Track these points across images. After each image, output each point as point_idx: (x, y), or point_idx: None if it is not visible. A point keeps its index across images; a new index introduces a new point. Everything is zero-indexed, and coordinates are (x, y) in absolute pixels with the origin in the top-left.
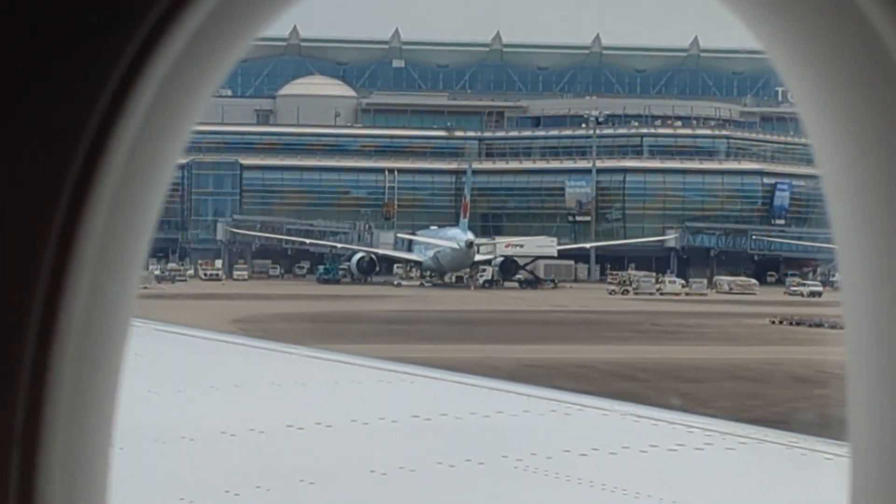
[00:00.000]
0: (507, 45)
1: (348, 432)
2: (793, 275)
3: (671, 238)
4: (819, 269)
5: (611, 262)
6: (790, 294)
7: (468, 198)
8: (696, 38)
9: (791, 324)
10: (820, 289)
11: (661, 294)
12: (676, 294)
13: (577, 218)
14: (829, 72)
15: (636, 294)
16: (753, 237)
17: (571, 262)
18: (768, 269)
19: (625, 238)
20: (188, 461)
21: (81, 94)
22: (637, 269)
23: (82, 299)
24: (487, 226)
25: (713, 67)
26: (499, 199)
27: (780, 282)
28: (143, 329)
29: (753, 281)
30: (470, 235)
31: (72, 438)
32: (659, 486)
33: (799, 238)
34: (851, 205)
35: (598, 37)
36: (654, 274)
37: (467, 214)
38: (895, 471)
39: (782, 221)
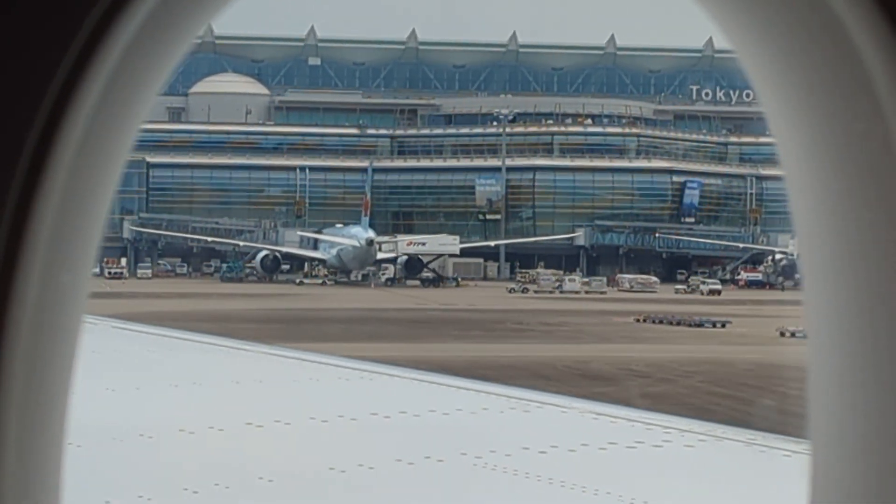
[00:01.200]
0: (422, 44)
1: (307, 430)
2: (701, 273)
3: (580, 236)
4: (728, 267)
5: (521, 260)
6: (687, 292)
7: (369, 196)
8: (612, 37)
9: (654, 322)
10: (719, 287)
11: (561, 292)
12: (576, 292)
13: (488, 216)
14: (795, 69)
15: (535, 293)
16: (662, 235)
17: (481, 261)
18: (679, 266)
19: (535, 236)
20: (146, 459)
21: (28, 90)
22: (546, 267)
23: (33, 294)
24: (399, 224)
25: (630, 66)
26: (410, 197)
27: (689, 280)
28: (101, 326)
29: (654, 279)
30: (370, 233)
31: (24, 435)
32: (618, 484)
33: (706, 236)
34: (814, 205)
35: (514, 35)
36: (558, 272)
37: (368, 212)
38: (855, 467)
39: (692, 219)
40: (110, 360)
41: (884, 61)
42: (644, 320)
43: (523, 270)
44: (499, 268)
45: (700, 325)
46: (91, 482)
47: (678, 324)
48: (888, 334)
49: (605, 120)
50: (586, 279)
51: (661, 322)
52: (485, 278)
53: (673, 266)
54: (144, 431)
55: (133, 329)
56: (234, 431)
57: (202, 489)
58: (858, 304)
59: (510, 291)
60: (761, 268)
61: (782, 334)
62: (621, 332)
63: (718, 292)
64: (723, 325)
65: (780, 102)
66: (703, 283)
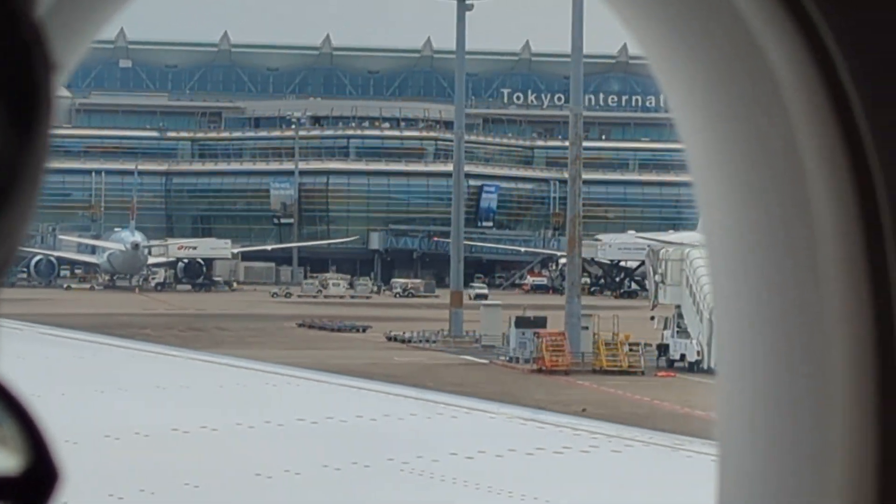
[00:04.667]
0: (235, 46)
1: (234, 435)
2: (499, 277)
3: (356, 239)
4: (526, 271)
5: (315, 264)
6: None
7: (135, 199)
8: (428, 39)
9: (311, 327)
10: (486, 291)
11: (325, 297)
12: (341, 297)
13: (282, 220)
14: (701, 71)
15: (299, 297)
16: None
17: (272, 265)
18: (476, 270)
19: (329, 240)
20: (71, 464)
21: None
22: (339, 271)
23: None
24: (198, 227)
25: (446, 69)
26: (208, 201)
27: (488, 284)
28: (27, 332)
29: (428, 282)
30: (137, 237)
31: None
32: (545, 489)
33: (499, 240)
34: (721, 205)
35: (328, 38)
36: (346, 276)
37: (134, 216)
38: (761, 469)
39: (490, 224)
40: (36, 366)
41: (789, 62)
42: (308, 326)
43: (314, 274)
44: (292, 272)
45: (340, 329)
46: None
47: (336, 329)
48: (795, 334)
49: (403, 123)
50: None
51: (320, 328)
52: (277, 282)
53: (472, 270)
54: (69, 437)
55: (59, 335)
56: (160, 437)
57: (127, 495)
58: (765, 304)
59: (273, 296)
60: (546, 272)
61: (392, 339)
62: (277, 337)
63: (485, 297)
64: (363, 330)
65: (687, 105)
66: (471, 287)
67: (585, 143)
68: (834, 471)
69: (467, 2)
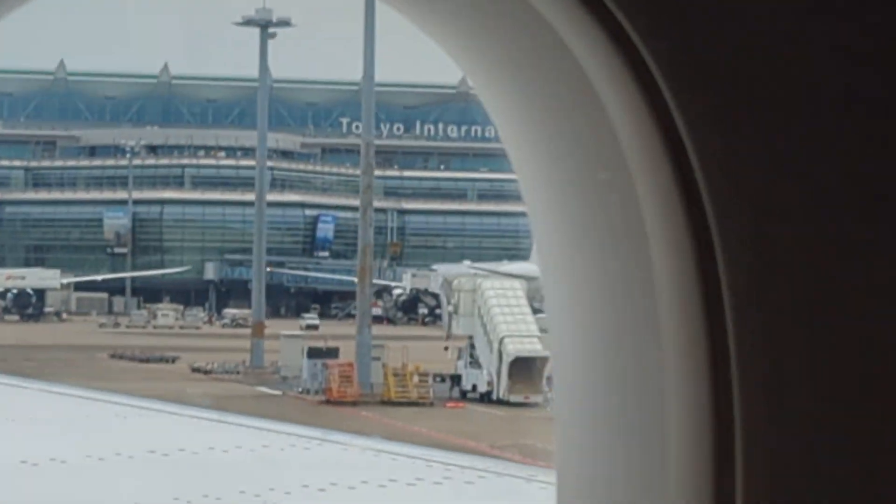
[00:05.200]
0: (71, 74)
1: (83, 468)
2: (335, 307)
3: (189, 269)
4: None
5: (150, 294)
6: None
7: None
8: (268, 68)
9: (122, 358)
10: (317, 322)
11: (154, 327)
12: (170, 327)
13: (115, 249)
14: (542, 117)
15: (127, 327)
16: (291, 269)
17: (105, 295)
18: (313, 301)
19: (163, 269)
20: None
21: None
22: (173, 301)
23: None
24: (30, 257)
25: (288, 98)
26: (41, 231)
27: (322, 315)
28: None
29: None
30: None
31: None
32: None
33: (334, 271)
34: (559, 248)
35: (166, 66)
36: (179, 307)
37: None
38: (601, 491)
39: (326, 253)
40: None
41: (626, 112)
42: (119, 356)
43: (146, 305)
44: (125, 302)
45: (149, 360)
46: None
47: (145, 360)
48: (629, 378)
49: (239, 153)
50: (195, 313)
51: (130, 358)
52: (110, 313)
53: (308, 300)
54: None
55: None
56: (8, 470)
57: None
58: (599, 336)
59: (101, 326)
60: (381, 302)
61: (196, 370)
62: (82, 368)
63: (316, 327)
64: (172, 361)
65: (519, 139)
66: (303, 317)
67: (424, 174)
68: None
69: (270, 30)
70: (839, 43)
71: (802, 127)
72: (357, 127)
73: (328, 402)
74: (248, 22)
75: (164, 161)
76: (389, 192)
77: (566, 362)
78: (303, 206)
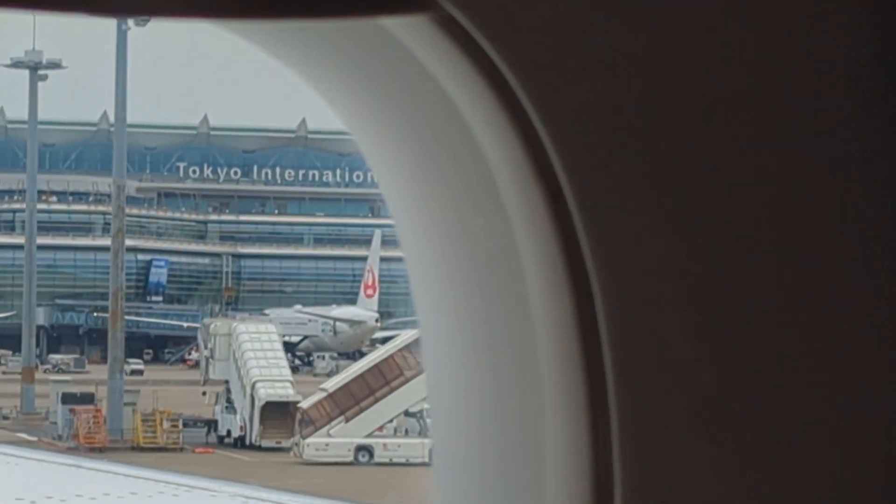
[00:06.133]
0: None
1: None
2: (169, 352)
3: (14, 315)
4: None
5: None
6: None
7: None
8: (105, 113)
9: None
10: (142, 367)
11: (4, 373)
12: None
13: None
14: (419, 162)
15: None
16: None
17: None
18: (146, 345)
19: None
20: None
21: None
22: (3, 346)
23: None
24: None
25: (127, 142)
26: None
27: (156, 359)
28: None
29: (83, 358)
30: None
31: None
32: None
33: (166, 316)
34: (436, 299)
35: (1, 110)
36: (5, 353)
37: None
38: None
39: (160, 298)
40: None
41: (504, 156)
42: None
43: None
44: None
45: None
46: None
47: None
48: (509, 424)
49: (71, 198)
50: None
51: None
52: None
53: (141, 345)
54: None
55: None
56: None
57: None
58: (480, 391)
59: None
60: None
61: None
62: None
63: (141, 372)
64: None
65: (402, 195)
66: (128, 363)
67: (260, 218)
68: None
69: (40, 72)
70: (716, 79)
71: (677, 170)
72: (194, 171)
73: (77, 447)
74: (16, 64)
75: None
76: (225, 237)
77: (443, 408)
78: (136, 250)
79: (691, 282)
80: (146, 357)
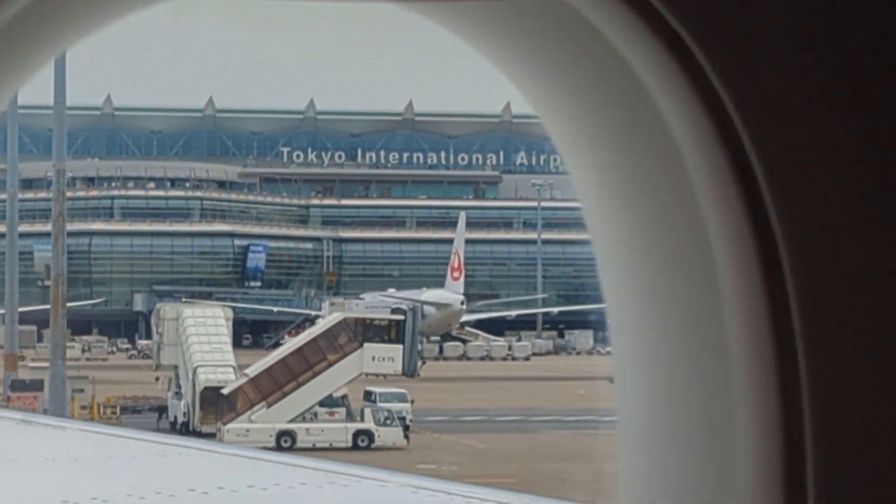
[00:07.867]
0: (22, 107)
1: None
2: (267, 337)
3: (105, 301)
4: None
5: (80, 326)
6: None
7: None
8: (211, 99)
9: None
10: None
11: (88, 359)
12: (77, 359)
13: (46, 282)
14: (605, 139)
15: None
16: (217, 299)
17: (34, 328)
18: (245, 331)
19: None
20: None
21: None
22: (102, 333)
23: None
24: None
25: (230, 128)
26: None
27: (255, 344)
28: None
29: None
30: None
31: None
32: None
33: (262, 300)
34: (618, 265)
35: (109, 97)
36: (103, 339)
37: None
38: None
39: (258, 283)
40: None
41: (690, 131)
42: None
43: (74, 337)
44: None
45: None
46: None
47: None
48: (696, 399)
49: (169, 184)
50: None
51: None
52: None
53: (244, 329)
54: None
55: None
56: None
57: None
58: (668, 367)
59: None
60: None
61: None
62: None
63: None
64: None
65: (583, 166)
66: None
67: (362, 202)
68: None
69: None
70: None
71: (869, 141)
72: (299, 156)
73: None
74: None
75: (94, 193)
76: (328, 222)
77: (630, 384)
78: (232, 235)
79: (889, 249)
80: (245, 342)
